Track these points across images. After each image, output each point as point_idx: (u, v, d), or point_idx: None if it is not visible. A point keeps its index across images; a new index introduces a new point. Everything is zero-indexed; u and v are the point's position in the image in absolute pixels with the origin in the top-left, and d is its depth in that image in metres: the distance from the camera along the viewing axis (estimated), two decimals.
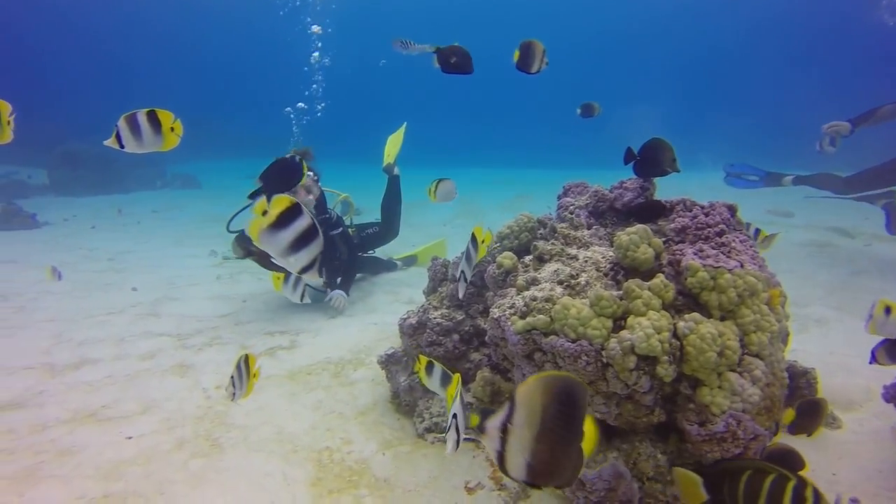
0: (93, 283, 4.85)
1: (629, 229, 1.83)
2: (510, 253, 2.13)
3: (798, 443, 2.20)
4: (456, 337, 2.45)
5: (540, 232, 2.30)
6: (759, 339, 1.65)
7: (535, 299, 1.77)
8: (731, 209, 2.02)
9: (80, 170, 10.95)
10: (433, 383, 1.90)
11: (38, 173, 11.80)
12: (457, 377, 1.61)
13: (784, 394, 1.81)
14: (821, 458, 2.13)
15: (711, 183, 8.12)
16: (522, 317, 1.77)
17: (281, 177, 3.68)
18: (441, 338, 2.42)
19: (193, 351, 3.25)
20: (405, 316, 2.63)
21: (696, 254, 1.73)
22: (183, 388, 2.77)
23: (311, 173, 3.79)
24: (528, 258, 2.17)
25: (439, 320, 2.46)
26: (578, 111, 3.43)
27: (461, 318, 2.48)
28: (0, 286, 4.56)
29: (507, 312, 1.86)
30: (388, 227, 4.99)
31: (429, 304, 2.61)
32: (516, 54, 2.23)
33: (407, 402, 2.53)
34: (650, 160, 1.88)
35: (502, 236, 2.65)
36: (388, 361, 2.65)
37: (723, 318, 1.69)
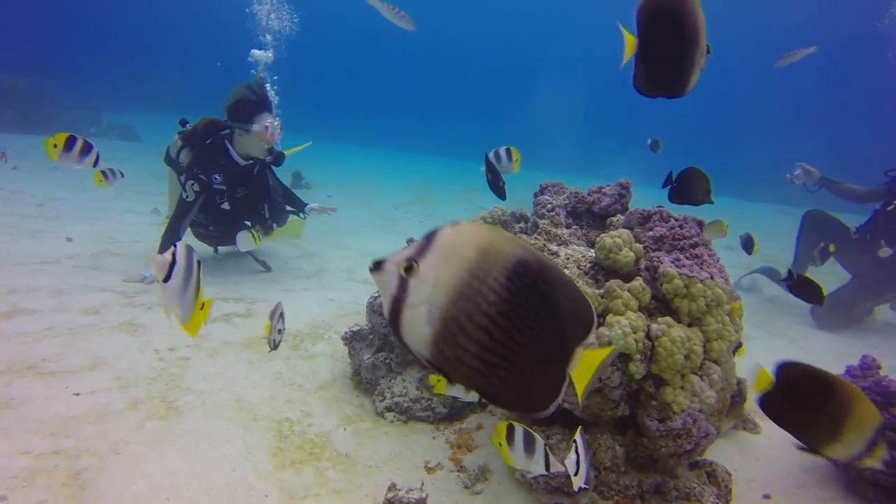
0: (19, 227, 4.47)
1: (612, 232, 1.94)
2: None
3: (725, 445, 2.44)
4: None
5: (520, 226, 2.38)
6: (719, 347, 1.81)
7: None
8: (700, 224, 2.18)
9: (1, 105, 9.95)
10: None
11: None
12: None
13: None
14: (741, 459, 2.37)
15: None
16: None
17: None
18: None
19: (142, 310, 3.09)
20: (376, 294, 2.63)
21: (673, 262, 1.86)
22: (133, 347, 2.64)
23: (277, 121, 3.66)
24: None
25: None
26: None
27: None
28: None
29: None
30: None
31: None
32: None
33: (368, 380, 2.54)
34: (684, 189, 1.92)
35: None
36: (353, 338, 2.64)
37: (690, 325, 1.84)
